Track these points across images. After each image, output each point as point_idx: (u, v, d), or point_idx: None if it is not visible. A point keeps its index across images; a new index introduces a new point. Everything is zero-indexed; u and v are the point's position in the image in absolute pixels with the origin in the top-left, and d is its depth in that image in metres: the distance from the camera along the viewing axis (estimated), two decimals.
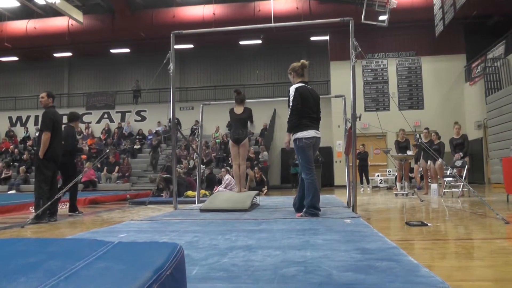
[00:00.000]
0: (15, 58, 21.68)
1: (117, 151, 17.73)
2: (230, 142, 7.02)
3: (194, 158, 15.16)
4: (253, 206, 6.22)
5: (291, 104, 4.96)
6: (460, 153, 9.20)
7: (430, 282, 1.83)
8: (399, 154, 9.94)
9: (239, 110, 6.83)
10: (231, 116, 6.92)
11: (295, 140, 5.00)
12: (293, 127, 4.99)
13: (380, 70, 17.66)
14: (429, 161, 9.78)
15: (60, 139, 6.12)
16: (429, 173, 10.05)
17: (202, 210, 5.77)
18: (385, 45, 17.55)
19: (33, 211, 6.03)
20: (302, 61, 5.28)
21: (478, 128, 15.20)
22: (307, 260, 2.37)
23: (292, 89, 5.02)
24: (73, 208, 6.95)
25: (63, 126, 6.50)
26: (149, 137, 19.20)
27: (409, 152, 10.18)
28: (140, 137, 19.44)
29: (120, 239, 2.06)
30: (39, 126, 6.56)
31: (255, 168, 13.36)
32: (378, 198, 9.54)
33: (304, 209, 4.90)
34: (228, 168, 12.73)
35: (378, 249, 2.65)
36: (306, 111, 4.99)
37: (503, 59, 12.88)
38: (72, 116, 7.14)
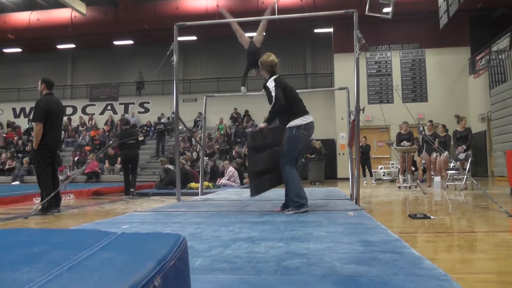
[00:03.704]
0: (19, 50, 21.64)
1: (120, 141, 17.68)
2: None
3: (197, 150, 15.17)
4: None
5: (274, 96, 4.41)
6: (464, 146, 9.17)
7: (433, 274, 1.83)
8: (401, 147, 9.91)
9: None
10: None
11: (290, 128, 4.45)
12: (273, 119, 4.62)
13: (384, 62, 17.56)
14: (434, 154, 9.74)
15: (57, 127, 5.88)
16: (432, 166, 10.02)
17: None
18: (389, 38, 17.41)
19: (38, 202, 6.05)
20: (271, 58, 4.64)
21: (482, 121, 15.13)
22: (310, 252, 2.37)
23: (270, 83, 4.51)
24: (132, 191, 8.81)
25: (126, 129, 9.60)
26: (150, 129, 19.20)
27: (407, 143, 10.06)
28: (148, 128, 19.40)
29: (123, 230, 2.06)
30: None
31: None
32: (381, 191, 9.54)
33: (291, 203, 4.45)
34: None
35: (381, 242, 2.66)
36: (296, 97, 4.61)
37: (508, 51, 12.77)
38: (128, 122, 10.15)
